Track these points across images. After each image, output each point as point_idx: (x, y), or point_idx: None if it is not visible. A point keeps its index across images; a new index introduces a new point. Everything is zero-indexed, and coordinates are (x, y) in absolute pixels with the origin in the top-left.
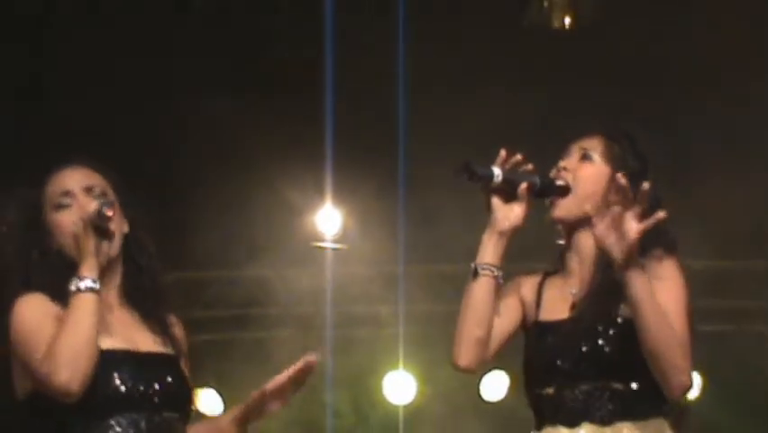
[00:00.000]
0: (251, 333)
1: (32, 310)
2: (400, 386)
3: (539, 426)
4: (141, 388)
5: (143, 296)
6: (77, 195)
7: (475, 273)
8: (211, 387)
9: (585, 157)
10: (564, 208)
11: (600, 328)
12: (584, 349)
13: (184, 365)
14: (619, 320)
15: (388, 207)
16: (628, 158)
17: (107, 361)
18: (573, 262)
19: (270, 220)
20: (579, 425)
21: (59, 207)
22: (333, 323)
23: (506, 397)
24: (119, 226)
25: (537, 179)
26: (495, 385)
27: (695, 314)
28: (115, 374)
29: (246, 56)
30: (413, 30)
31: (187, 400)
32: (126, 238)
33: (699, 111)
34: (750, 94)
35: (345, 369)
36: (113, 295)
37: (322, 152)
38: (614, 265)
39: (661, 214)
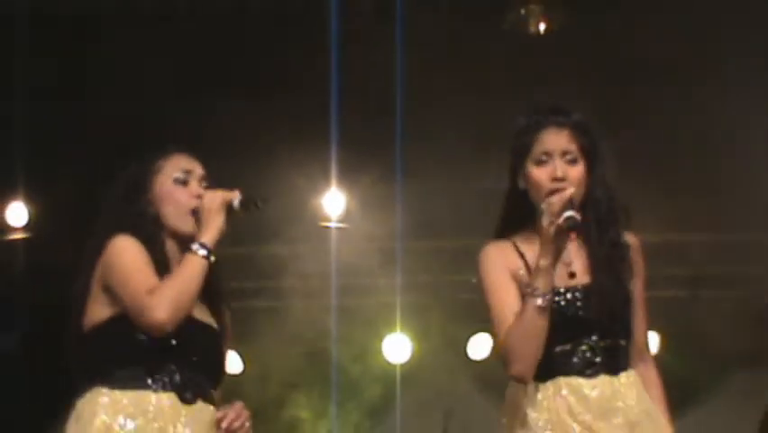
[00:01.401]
0: (266, 302)
1: (135, 250)
2: (397, 347)
3: (544, 378)
4: (188, 346)
5: (208, 287)
6: (195, 178)
7: (544, 304)
8: (232, 349)
9: (572, 162)
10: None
11: (616, 293)
12: (607, 310)
13: (225, 343)
14: (625, 287)
15: (386, 191)
16: (592, 141)
17: None
18: None
19: (282, 204)
20: (596, 376)
21: (178, 181)
22: (339, 293)
23: (489, 356)
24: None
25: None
26: (480, 345)
27: (657, 281)
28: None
29: (253, 58)
30: (410, 30)
31: (220, 367)
32: None
33: (672, 105)
34: (719, 90)
35: (349, 332)
36: None
37: (327, 144)
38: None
39: None
